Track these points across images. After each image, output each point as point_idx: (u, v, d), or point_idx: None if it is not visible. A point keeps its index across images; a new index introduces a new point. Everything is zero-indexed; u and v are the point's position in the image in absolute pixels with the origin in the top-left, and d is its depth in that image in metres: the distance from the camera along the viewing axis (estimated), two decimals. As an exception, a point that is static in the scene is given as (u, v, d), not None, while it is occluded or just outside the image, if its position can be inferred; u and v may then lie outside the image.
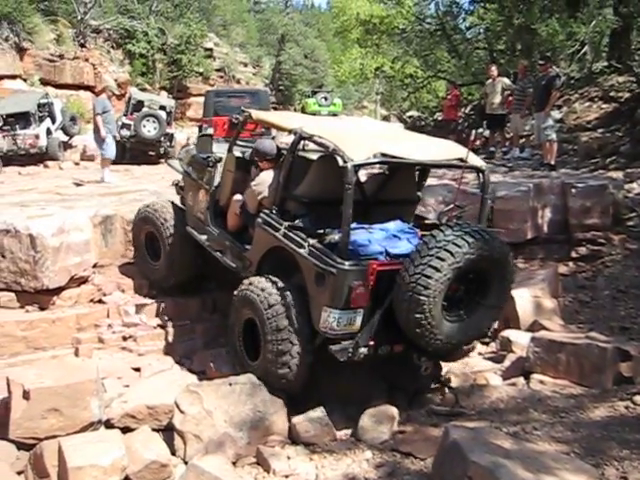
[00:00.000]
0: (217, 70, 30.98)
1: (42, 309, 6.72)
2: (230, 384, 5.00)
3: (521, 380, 5.51)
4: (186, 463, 4.54)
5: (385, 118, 20.64)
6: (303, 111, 17.90)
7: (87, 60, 23.63)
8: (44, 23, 23.16)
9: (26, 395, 4.79)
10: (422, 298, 4.60)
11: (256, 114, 6.43)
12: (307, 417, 4.94)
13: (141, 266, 7.43)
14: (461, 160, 5.43)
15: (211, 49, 31.19)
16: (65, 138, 17.49)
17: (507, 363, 6.01)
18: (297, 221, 5.34)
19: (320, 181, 5.48)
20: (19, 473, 4.61)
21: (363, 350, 4.90)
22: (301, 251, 5.04)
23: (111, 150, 11.29)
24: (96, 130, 11.20)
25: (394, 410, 5.09)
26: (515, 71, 12.59)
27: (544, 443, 4.15)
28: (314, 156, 5.84)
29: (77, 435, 4.71)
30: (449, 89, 15.11)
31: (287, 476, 4.41)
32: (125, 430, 4.99)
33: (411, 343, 5.03)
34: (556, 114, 11.64)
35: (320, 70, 37.76)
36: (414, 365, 5.66)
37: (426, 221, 6.30)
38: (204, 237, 6.58)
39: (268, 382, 5.09)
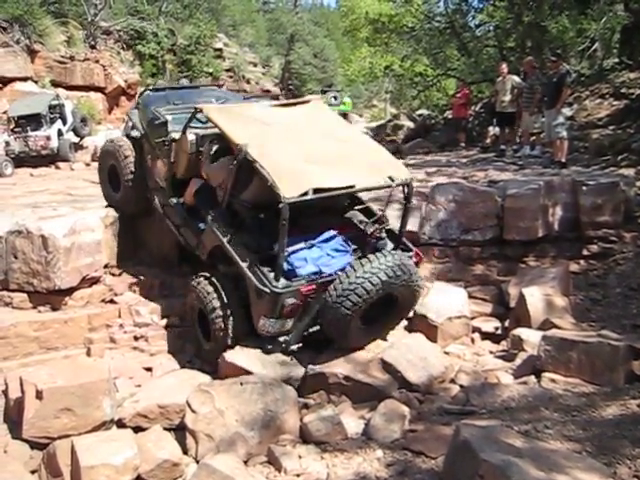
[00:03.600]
0: (227, 70, 31.14)
1: (54, 309, 6.77)
2: (241, 383, 5.03)
3: (532, 378, 5.50)
4: (198, 462, 4.56)
5: (395, 117, 20.45)
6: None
7: (97, 61, 23.74)
8: (55, 25, 23.29)
9: (39, 395, 4.84)
10: (346, 317, 5.45)
11: (207, 110, 6.15)
12: (318, 416, 4.96)
13: (104, 193, 8.10)
14: (390, 179, 5.74)
15: (220, 49, 31.34)
16: (76, 139, 17.62)
17: (518, 361, 6.00)
18: (242, 229, 5.88)
19: (263, 188, 5.56)
20: (33, 472, 4.66)
21: (293, 347, 5.79)
22: (243, 265, 5.64)
23: None
24: None
25: (405, 409, 5.10)
26: (524, 69, 12.49)
27: (556, 442, 4.13)
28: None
29: (89, 434, 4.76)
30: (458, 87, 15.02)
31: (298, 475, 4.41)
32: (137, 429, 5.03)
33: None
34: (567, 111, 11.56)
35: (329, 69, 37.79)
36: None
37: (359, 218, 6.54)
38: (164, 206, 7.03)
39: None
